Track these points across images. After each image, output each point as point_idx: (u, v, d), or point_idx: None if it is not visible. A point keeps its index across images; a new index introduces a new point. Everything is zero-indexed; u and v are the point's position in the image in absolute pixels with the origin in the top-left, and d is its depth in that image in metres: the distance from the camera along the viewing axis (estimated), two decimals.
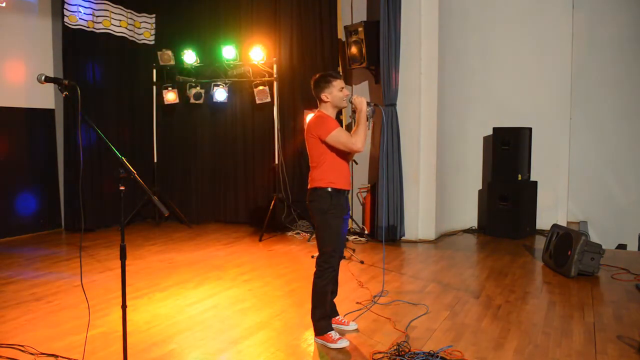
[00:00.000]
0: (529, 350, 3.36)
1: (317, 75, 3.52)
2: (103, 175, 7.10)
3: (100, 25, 7.44)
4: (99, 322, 3.78)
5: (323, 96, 3.47)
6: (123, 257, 2.78)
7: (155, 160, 7.93)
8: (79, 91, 2.69)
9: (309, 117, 6.51)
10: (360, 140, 3.37)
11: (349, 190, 3.58)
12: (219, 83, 7.44)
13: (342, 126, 3.72)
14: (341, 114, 6.60)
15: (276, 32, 7.46)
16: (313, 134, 3.42)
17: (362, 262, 5.56)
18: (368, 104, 3.51)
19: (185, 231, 7.39)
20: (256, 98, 7.24)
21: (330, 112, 3.50)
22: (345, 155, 3.51)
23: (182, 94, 7.66)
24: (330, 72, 3.59)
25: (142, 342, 3.50)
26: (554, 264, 5.23)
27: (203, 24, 7.84)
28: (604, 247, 4.99)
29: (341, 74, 6.74)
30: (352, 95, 3.51)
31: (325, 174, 3.43)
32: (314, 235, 6.32)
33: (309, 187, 3.51)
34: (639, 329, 3.70)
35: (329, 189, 3.42)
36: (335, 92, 3.46)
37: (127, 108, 7.82)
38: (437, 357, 3.17)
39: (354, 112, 3.56)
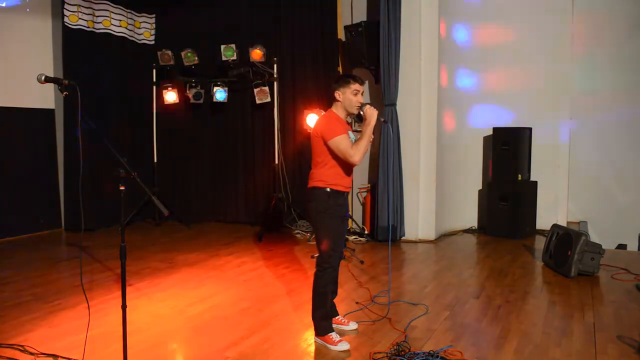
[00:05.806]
0: (529, 350, 3.36)
1: (340, 74, 3.44)
2: (103, 175, 7.10)
3: (100, 25, 7.44)
4: (99, 322, 3.78)
5: (336, 94, 3.42)
6: (123, 257, 2.78)
7: (155, 160, 7.93)
8: (78, 91, 2.69)
9: (310, 116, 6.57)
10: (359, 154, 3.29)
11: (348, 192, 3.55)
12: (219, 83, 7.44)
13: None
14: None
15: (276, 32, 7.46)
16: (318, 134, 3.39)
17: (362, 262, 5.56)
18: (378, 118, 3.40)
19: (185, 231, 7.39)
20: (256, 98, 7.24)
21: (341, 113, 3.45)
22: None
23: (182, 94, 7.68)
24: (355, 75, 3.50)
25: (142, 342, 3.50)
26: (554, 264, 5.23)
27: (203, 23, 7.84)
28: (604, 247, 4.99)
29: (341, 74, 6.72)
30: (365, 104, 3.41)
31: (325, 175, 3.40)
32: (314, 236, 6.32)
33: (308, 186, 3.48)
34: (639, 329, 3.70)
35: (327, 189, 3.39)
36: (349, 93, 3.38)
37: (127, 108, 7.82)
38: (437, 357, 3.17)
39: (358, 117, 3.49)
